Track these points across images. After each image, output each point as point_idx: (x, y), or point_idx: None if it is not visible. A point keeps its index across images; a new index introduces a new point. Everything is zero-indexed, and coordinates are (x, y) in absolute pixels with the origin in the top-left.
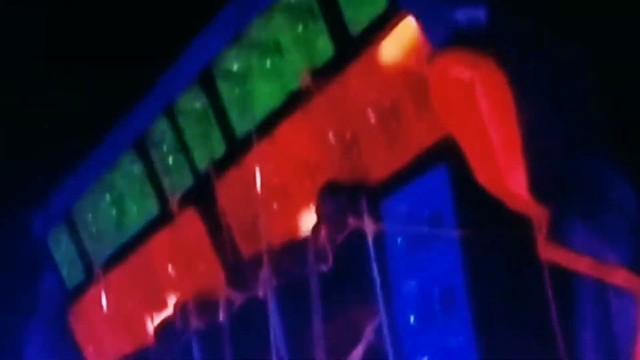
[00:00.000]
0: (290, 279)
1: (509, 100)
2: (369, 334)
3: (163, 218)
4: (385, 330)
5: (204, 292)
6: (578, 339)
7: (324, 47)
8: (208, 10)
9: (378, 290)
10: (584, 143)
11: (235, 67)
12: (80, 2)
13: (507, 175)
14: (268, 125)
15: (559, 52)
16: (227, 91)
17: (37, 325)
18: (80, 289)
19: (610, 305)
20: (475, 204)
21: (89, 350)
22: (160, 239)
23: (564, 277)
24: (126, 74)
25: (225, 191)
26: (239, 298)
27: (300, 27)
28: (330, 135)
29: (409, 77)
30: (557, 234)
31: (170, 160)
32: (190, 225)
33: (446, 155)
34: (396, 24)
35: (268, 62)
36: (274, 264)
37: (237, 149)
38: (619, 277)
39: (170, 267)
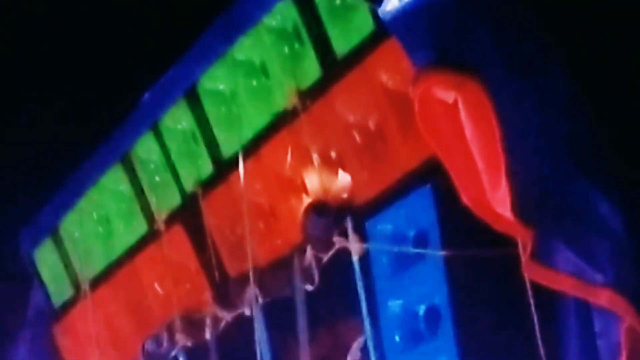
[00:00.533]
0: (276, 298)
1: (492, 120)
2: (354, 352)
3: (150, 236)
4: (371, 349)
5: (191, 309)
6: (563, 359)
7: (311, 68)
8: (194, 29)
9: (363, 309)
10: (568, 163)
11: (221, 87)
12: (66, 19)
13: (491, 196)
14: (254, 144)
15: (544, 72)
16: (213, 110)
17: (23, 341)
18: (66, 306)
19: (593, 324)
20: (461, 224)
21: None
22: (147, 257)
23: (548, 297)
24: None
25: (212, 210)
26: (225, 316)
27: (286, 48)
28: (316, 155)
29: (394, 98)
30: (542, 254)
31: (157, 177)
32: (177, 243)
33: (431, 175)
34: (382, 45)
35: (254, 82)
36: (260, 283)
37: (223, 167)
38: (604, 297)
39: (157, 285)
